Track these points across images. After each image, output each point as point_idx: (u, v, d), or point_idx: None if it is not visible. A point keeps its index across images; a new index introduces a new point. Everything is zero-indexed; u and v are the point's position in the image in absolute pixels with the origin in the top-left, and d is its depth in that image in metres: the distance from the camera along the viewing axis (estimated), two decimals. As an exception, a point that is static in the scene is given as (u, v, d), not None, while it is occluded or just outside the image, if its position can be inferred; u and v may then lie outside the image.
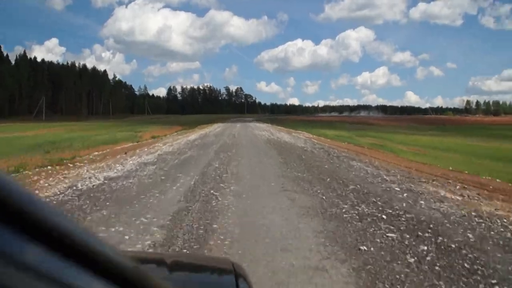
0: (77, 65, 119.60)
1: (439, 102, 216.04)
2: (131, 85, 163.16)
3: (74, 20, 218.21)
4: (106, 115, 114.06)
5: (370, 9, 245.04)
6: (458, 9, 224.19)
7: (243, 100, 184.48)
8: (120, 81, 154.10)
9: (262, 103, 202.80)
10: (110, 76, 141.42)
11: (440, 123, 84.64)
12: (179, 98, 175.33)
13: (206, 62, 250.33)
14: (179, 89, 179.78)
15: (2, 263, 0.29)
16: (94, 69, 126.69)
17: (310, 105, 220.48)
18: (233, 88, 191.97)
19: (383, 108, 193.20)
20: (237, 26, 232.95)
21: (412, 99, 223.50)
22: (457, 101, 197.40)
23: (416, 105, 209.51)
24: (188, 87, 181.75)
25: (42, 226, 0.33)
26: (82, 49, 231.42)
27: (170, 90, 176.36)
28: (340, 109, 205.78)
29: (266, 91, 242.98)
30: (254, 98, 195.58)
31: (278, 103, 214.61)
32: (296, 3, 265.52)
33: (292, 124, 50.34)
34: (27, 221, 0.32)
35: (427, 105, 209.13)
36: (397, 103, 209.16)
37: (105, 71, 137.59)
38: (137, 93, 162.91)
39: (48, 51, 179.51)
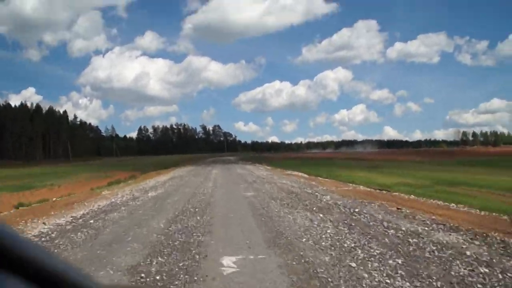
0: (29, 105, 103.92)
1: (417, 136, 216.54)
2: (97, 127, 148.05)
3: (51, 70, 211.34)
4: (67, 158, 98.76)
5: (348, 50, 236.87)
6: (435, 47, 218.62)
7: (221, 139, 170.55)
8: (84, 123, 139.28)
9: (242, 141, 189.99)
10: (72, 118, 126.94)
11: (452, 156, 73.07)
12: (152, 138, 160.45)
13: (183, 105, 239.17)
14: (151, 129, 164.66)
15: None
16: (50, 109, 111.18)
17: (290, 142, 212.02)
18: (210, 126, 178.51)
19: (370, 143, 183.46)
20: (214, 71, 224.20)
21: (390, 133, 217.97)
22: (452, 133, 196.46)
23: (395, 138, 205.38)
24: (161, 126, 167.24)
25: (19, 259, 0.32)
26: (59, 97, 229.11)
27: (141, 130, 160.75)
28: (325, 145, 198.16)
29: (244, 131, 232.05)
30: (234, 136, 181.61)
31: (259, 141, 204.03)
32: (273, 48, 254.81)
33: (296, 165, 36.73)
34: (3, 255, 0.31)
35: (406, 139, 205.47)
36: (376, 138, 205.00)
37: (64, 112, 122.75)
38: (104, 134, 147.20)
39: (25, 99, 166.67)
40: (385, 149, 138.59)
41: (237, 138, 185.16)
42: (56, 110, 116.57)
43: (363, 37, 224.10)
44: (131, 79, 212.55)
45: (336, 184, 16.80)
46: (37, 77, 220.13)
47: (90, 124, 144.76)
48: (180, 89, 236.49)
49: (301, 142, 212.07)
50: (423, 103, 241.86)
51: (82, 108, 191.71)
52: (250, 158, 67.88)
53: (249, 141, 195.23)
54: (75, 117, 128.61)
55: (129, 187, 17.79)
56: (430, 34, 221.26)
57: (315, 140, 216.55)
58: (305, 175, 23.02)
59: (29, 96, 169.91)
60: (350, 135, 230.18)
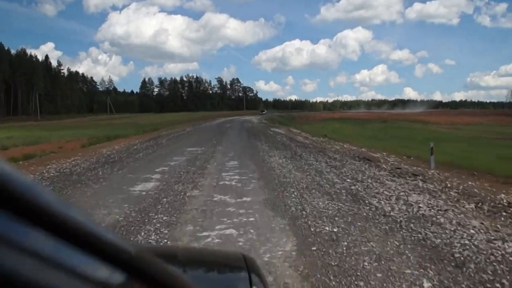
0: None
1: (437, 97, 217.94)
2: (91, 78, 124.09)
3: (67, 25, 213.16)
4: (46, 115, 76.83)
5: (366, 10, 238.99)
6: (455, 8, 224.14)
7: (240, 94, 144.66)
8: (75, 73, 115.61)
9: (263, 99, 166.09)
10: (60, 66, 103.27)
11: None
12: (160, 93, 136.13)
13: (204, 63, 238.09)
14: (156, 82, 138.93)
15: (2, 247, 0.28)
16: (21, 53, 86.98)
17: (315, 101, 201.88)
18: (226, 78, 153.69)
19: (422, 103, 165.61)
20: (233, 28, 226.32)
21: (411, 94, 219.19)
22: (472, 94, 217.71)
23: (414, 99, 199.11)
24: (168, 78, 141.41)
25: (43, 211, 0.32)
26: (78, 52, 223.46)
27: (145, 83, 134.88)
28: (351, 104, 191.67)
29: (265, 90, 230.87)
30: (255, 92, 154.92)
31: (281, 99, 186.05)
32: (291, 6, 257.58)
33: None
34: (27, 207, 0.31)
35: (421, 99, 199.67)
36: (395, 98, 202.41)
37: (46, 57, 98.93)
38: (100, 88, 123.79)
39: (44, 55, 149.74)
40: (439, 110, 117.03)
41: (258, 95, 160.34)
42: (33, 54, 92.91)
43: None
44: (150, 35, 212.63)
45: None
46: (54, 32, 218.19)
47: (83, 75, 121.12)
48: (199, 46, 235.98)
49: (327, 101, 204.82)
50: (444, 64, 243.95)
51: (102, 64, 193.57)
52: (285, 120, 44.04)
53: (270, 99, 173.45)
54: (59, 64, 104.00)
55: None
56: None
57: (331, 100, 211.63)
58: None
59: (48, 52, 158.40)
60: (370, 96, 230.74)
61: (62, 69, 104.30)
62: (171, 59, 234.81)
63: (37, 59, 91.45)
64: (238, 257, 1.09)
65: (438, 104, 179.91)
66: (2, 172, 0.30)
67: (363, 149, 11.88)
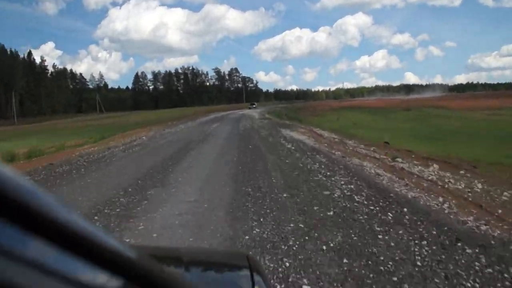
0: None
1: (438, 80, 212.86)
2: (81, 74, 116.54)
3: (68, 24, 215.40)
4: (28, 117, 70.15)
5: None
6: None
7: (240, 85, 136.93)
8: (64, 70, 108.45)
9: (264, 90, 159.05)
10: (46, 64, 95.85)
11: None
12: (155, 87, 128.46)
13: (203, 55, 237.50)
14: (150, 76, 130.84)
15: (2, 258, 0.28)
16: (1, 49, 79.48)
17: (317, 90, 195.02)
18: (225, 69, 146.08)
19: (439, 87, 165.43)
20: (233, 19, 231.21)
21: (411, 79, 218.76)
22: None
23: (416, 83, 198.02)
24: (162, 71, 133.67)
25: (43, 219, 0.32)
26: (78, 51, 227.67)
27: (137, 78, 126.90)
28: (352, 92, 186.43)
29: (265, 81, 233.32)
30: (255, 82, 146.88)
31: (282, 89, 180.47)
32: None
33: None
34: (28, 215, 0.31)
35: (422, 83, 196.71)
36: (396, 84, 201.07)
37: (30, 53, 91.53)
38: (89, 85, 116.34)
39: (45, 54, 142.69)
40: (458, 93, 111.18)
41: (259, 86, 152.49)
42: (14, 50, 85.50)
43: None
44: (150, 30, 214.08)
45: None
46: (55, 31, 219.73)
47: (71, 71, 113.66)
48: (199, 39, 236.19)
49: (329, 89, 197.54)
50: (444, 47, 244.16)
51: (102, 62, 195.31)
52: (293, 113, 36.77)
53: (271, 90, 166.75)
54: (42, 60, 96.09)
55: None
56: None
57: (333, 88, 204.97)
58: None
59: (49, 52, 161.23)
60: (370, 82, 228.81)
61: (47, 66, 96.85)
62: (171, 53, 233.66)
63: (17, 55, 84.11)
64: (241, 257, 1.09)
65: (449, 88, 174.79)
66: (1, 178, 0.29)
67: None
